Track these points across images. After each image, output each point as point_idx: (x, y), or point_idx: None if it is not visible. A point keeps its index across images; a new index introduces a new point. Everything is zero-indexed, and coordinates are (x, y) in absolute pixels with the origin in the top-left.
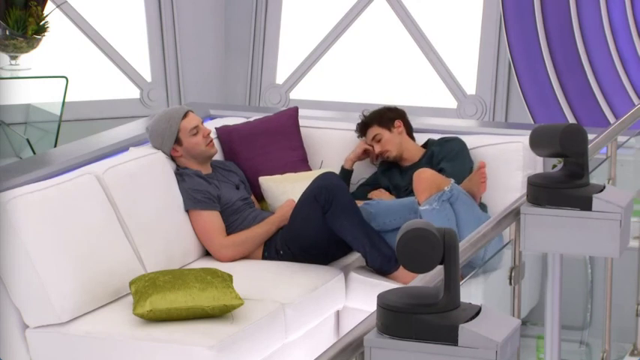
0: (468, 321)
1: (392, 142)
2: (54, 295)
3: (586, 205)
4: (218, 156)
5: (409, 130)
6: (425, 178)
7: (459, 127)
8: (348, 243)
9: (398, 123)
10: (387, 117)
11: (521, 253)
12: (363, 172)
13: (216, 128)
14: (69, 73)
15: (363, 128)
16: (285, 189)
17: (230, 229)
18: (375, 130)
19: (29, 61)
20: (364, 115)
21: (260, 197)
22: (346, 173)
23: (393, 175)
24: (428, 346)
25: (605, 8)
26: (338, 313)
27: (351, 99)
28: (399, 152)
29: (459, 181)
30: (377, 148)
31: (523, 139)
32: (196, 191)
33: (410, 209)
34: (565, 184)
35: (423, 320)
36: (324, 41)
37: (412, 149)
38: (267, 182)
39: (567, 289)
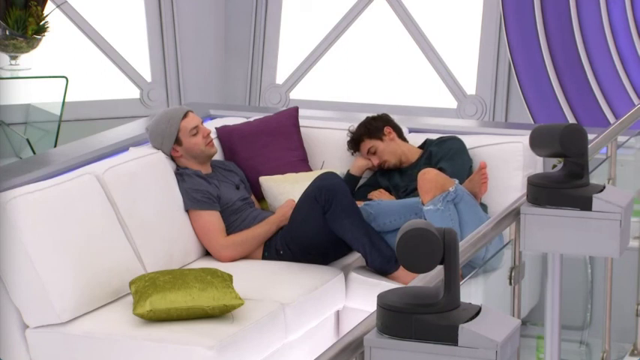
0: (467, 321)
1: (387, 150)
2: (54, 295)
3: (586, 205)
4: (218, 156)
5: (399, 133)
6: (430, 178)
7: (458, 127)
8: (348, 243)
9: (387, 130)
10: (375, 127)
11: (521, 253)
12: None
13: (216, 128)
14: (69, 73)
15: (354, 145)
16: (285, 189)
17: (230, 229)
18: (367, 144)
19: (29, 61)
20: (351, 132)
21: (260, 197)
22: (352, 178)
23: (393, 175)
24: (428, 346)
25: (605, 8)
26: (338, 313)
27: (351, 99)
28: (397, 158)
29: (458, 180)
30: (375, 160)
31: (523, 139)
32: (196, 191)
33: (411, 210)
34: (565, 184)
35: (423, 320)
36: (324, 41)
37: (408, 151)
38: (267, 182)
39: (567, 289)
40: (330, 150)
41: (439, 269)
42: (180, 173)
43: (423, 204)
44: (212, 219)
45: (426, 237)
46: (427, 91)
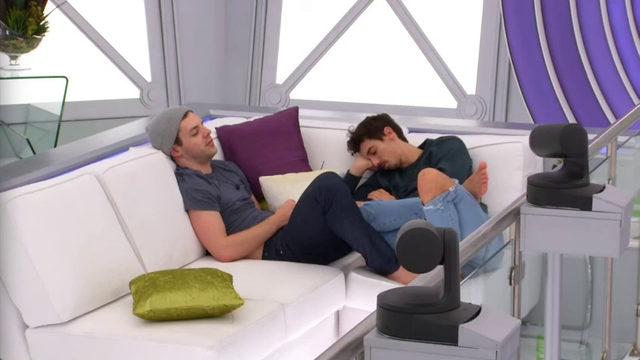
0: (468, 321)
1: (387, 150)
2: (54, 295)
3: (586, 205)
4: (218, 156)
5: (399, 133)
6: (430, 178)
7: (458, 127)
8: (348, 243)
9: (387, 130)
10: (375, 127)
11: (521, 253)
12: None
13: (216, 128)
14: (69, 73)
15: (354, 145)
16: (285, 189)
17: (230, 229)
18: (367, 144)
19: (29, 61)
20: (351, 132)
21: (260, 197)
22: (352, 178)
23: (393, 175)
24: (428, 346)
25: (605, 8)
26: (338, 313)
27: (351, 99)
28: (397, 159)
29: (458, 180)
30: (375, 160)
31: (523, 139)
32: (196, 191)
33: (411, 210)
34: (565, 184)
35: (423, 320)
36: (324, 41)
37: (408, 151)
38: (267, 182)
39: (567, 289)
40: (330, 150)
41: (439, 269)
42: (180, 173)
43: (423, 204)
44: (212, 219)
45: (426, 237)
46: (427, 91)
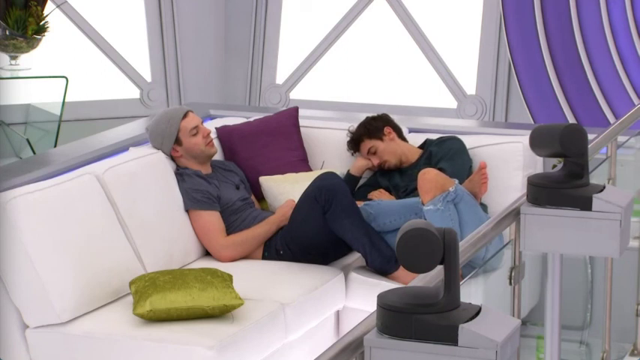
0: (467, 321)
1: (388, 150)
2: (54, 295)
3: (586, 205)
4: (218, 156)
5: (399, 133)
6: (430, 178)
7: (458, 127)
8: (348, 243)
9: (387, 130)
10: (375, 127)
11: (521, 253)
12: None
13: (216, 128)
14: (69, 73)
15: (354, 145)
16: (285, 189)
17: (230, 229)
18: (367, 144)
19: (29, 61)
20: (351, 132)
21: (260, 197)
22: (352, 178)
23: (393, 175)
24: (428, 346)
25: (605, 8)
26: (338, 313)
27: (351, 99)
28: (397, 159)
29: (458, 180)
30: (375, 160)
31: (523, 139)
32: (196, 191)
33: (411, 210)
34: (565, 184)
35: (423, 320)
36: (324, 41)
37: (408, 151)
38: (267, 182)
39: (567, 289)
40: (330, 150)
41: (439, 269)
42: (180, 173)
43: (423, 204)
44: (212, 219)
45: (426, 237)
46: (427, 91)
